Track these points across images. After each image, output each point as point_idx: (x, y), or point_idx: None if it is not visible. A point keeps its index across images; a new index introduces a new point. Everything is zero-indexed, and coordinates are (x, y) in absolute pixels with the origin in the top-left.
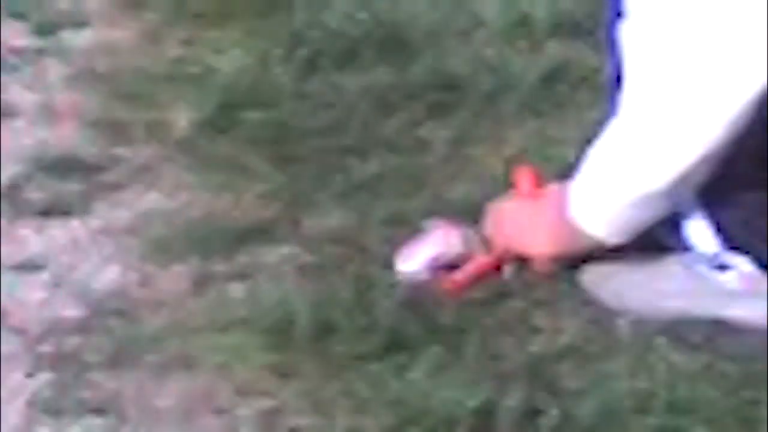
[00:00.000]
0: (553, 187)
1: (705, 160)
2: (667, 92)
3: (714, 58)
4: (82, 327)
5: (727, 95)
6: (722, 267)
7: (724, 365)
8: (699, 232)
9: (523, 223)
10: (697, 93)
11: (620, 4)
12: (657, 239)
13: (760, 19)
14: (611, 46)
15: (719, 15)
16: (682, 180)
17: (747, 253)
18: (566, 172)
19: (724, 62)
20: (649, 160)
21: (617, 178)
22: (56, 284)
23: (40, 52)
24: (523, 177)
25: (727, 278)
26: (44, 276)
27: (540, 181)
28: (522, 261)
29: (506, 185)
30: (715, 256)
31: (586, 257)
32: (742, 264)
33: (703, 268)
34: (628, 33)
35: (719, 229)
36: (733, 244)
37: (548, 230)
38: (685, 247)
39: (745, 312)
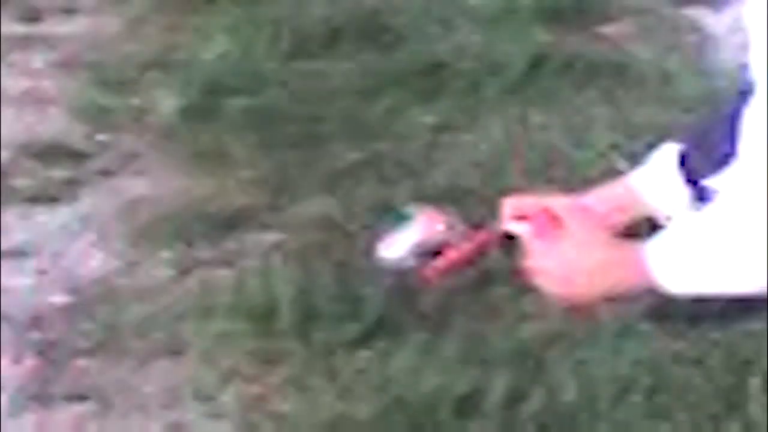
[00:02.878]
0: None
1: None
2: None
3: None
4: (68, 313)
5: None
6: None
7: (706, 350)
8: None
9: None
10: None
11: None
12: None
13: None
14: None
15: None
16: None
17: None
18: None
19: None
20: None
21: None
22: (43, 271)
23: (27, 39)
24: (539, 219)
25: None
26: (31, 263)
27: (557, 222)
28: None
29: (490, 171)
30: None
31: None
32: None
33: None
34: (752, 111)
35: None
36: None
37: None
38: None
39: None
